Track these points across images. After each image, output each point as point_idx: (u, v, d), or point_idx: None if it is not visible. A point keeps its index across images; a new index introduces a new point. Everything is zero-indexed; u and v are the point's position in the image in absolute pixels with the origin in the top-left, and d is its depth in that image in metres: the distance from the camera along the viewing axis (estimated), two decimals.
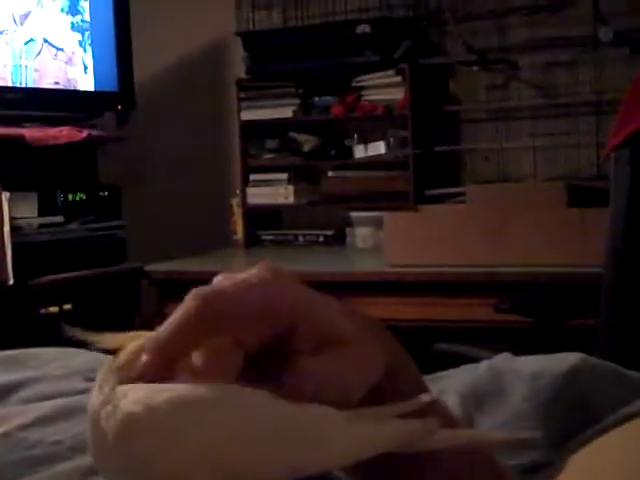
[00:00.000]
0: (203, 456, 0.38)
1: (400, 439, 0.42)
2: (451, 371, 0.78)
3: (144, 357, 0.40)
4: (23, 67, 2.79)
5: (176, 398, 0.39)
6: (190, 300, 0.40)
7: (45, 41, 2.84)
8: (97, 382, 0.41)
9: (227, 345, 0.40)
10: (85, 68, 2.95)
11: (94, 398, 0.40)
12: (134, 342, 0.42)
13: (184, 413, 0.38)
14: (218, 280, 0.43)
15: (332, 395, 0.40)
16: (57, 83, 2.88)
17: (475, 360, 0.77)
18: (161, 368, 0.40)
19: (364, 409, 0.42)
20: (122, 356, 0.41)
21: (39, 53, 2.83)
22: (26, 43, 2.80)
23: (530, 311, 1.98)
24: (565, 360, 0.67)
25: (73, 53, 2.92)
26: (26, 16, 2.79)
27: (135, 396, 0.39)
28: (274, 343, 0.42)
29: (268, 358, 0.42)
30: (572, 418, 0.61)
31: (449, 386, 0.72)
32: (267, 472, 0.39)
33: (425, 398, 0.44)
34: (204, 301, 0.40)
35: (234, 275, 0.43)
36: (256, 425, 0.39)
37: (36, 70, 2.82)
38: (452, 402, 0.67)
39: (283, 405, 0.40)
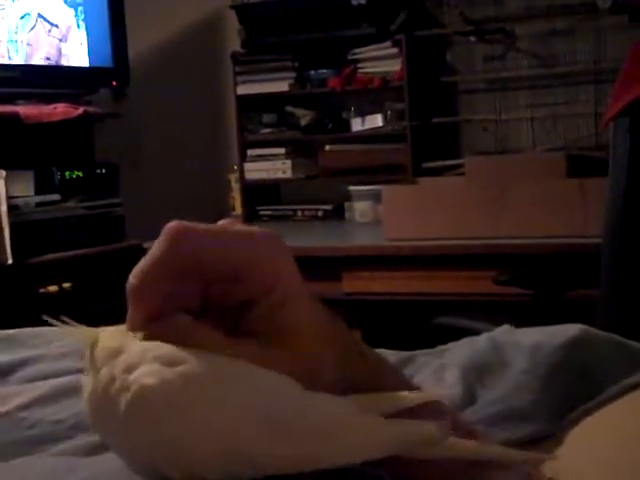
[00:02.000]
0: (213, 437, 0.38)
1: (414, 441, 0.41)
2: (451, 344, 0.78)
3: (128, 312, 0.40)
4: (19, 42, 2.76)
5: (191, 373, 0.38)
6: (170, 232, 0.40)
7: (40, 16, 2.82)
8: (90, 366, 0.41)
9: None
10: (79, 44, 2.93)
11: (94, 379, 0.40)
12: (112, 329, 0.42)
13: (199, 390, 0.38)
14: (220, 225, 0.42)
15: None
16: (48, 59, 2.86)
17: (475, 333, 0.76)
18: (143, 320, 0.40)
19: (370, 395, 0.42)
20: (106, 333, 0.41)
21: (33, 27, 2.81)
22: (21, 18, 2.77)
23: (530, 283, 1.98)
24: (565, 332, 0.67)
25: (68, 30, 2.89)
26: None
27: (148, 369, 0.38)
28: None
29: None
30: (573, 390, 0.61)
31: (450, 359, 0.72)
32: (282, 458, 0.39)
33: (429, 396, 0.43)
34: (179, 239, 0.40)
35: (234, 223, 0.42)
36: (272, 410, 0.39)
37: (28, 44, 2.80)
38: (453, 376, 0.67)
39: (300, 391, 0.40)
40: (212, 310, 0.41)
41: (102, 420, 0.40)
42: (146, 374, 0.38)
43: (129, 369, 0.39)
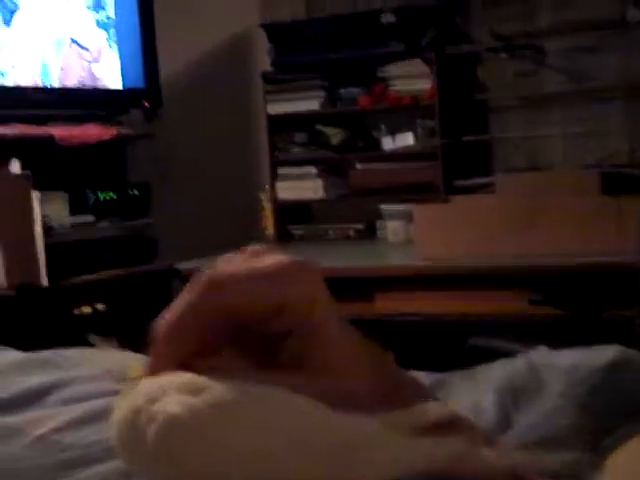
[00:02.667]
0: (244, 461, 0.38)
1: (442, 456, 0.41)
2: (487, 365, 0.77)
3: (149, 359, 0.39)
4: (50, 66, 2.80)
5: (216, 399, 0.38)
6: (198, 284, 0.39)
7: (73, 41, 2.86)
8: (123, 392, 0.41)
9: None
10: (111, 65, 2.96)
11: (119, 411, 0.40)
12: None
13: (226, 416, 0.38)
14: (235, 261, 0.41)
15: None
16: (82, 82, 2.89)
17: (510, 354, 0.75)
18: (171, 359, 0.39)
19: (397, 412, 0.41)
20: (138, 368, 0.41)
21: (65, 52, 2.85)
22: (53, 41, 2.81)
23: (565, 303, 1.96)
24: (603, 353, 0.66)
25: (99, 52, 2.93)
26: (53, 14, 2.81)
27: (172, 398, 0.38)
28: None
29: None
30: (612, 413, 0.60)
31: (484, 382, 0.71)
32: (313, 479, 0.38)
33: (455, 413, 0.43)
34: (209, 291, 0.39)
35: (255, 256, 0.41)
36: (301, 431, 0.39)
37: (62, 69, 2.84)
38: (488, 399, 0.66)
39: (328, 411, 0.39)
40: (246, 343, 0.41)
41: (130, 450, 0.40)
42: (171, 403, 0.38)
43: (153, 400, 0.39)
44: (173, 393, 0.39)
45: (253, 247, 0.42)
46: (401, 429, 0.41)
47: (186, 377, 0.39)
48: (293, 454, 0.38)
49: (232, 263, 0.40)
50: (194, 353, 0.40)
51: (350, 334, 0.42)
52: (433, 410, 0.42)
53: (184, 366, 0.40)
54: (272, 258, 0.41)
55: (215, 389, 0.38)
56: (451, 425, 0.42)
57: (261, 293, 0.39)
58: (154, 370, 0.40)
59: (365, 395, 0.41)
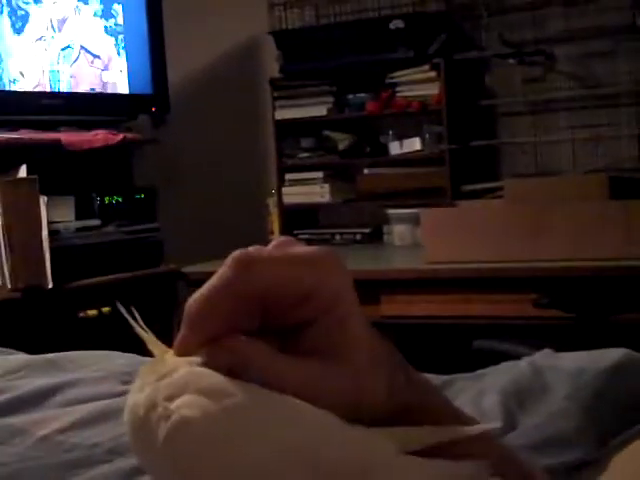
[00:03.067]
0: (251, 472, 0.37)
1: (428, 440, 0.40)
2: (492, 368, 0.77)
3: (180, 334, 0.39)
4: (60, 73, 2.81)
5: (235, 407, 0.37)
6: (234, 262, 0.39)
7: (82, 48, 2.87)
8: (138, 382, 0.40)
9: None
10: (119, 71, 2.97)
11: (137, 398, 0.39)
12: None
13: (241, 425, 0.37)
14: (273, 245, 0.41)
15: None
16: (93, 90, 2.91)
17: (515, 357, 0.75)
18: (196, 345, 0.39)
19: (412, 429, 0.41)
20: (160, 357, 0.40)
21: (76, 60, 2.86)
22: (63, 49, 2.83)
23: (571, 306, 1.95)
24: (608, 356, 0.66)
25: (109, 59, 2.94)
26: (63, 22, 2.82)
27: (190, 399, 0.38)
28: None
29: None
30: (617, 415, 0.59)
31: (490, 384, 0.71)
32: None
33: (477, 429, 0.42)
34: (245, 269, 0.38)
35: (286, 245, 0.41)
36: (316, 452, 0.37)
37: (72, 76, 2.85)
38: (493, 401, 0.66)
39: (344, 427, 0.38)
40: (269, 329, 0.41)
41: (141, 444, 0.40)
42: (188, 405, 0.37)
43: (171, 397, 0.38)
44: (194, 393, 0.38)
45: (283, 238, 0.42)
46: (414, 445, 0.40)
47: (211, 379, 0.38)
48: (306, 473, 0.37)
49: (265, 249, 0.40)
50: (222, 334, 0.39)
51: (374, 336, 0.42)
52: (450, 429, 0.41)
53: (214, 346, 0.39)
54: (306, 247, 0.41)
55: (237, 397, 0.37)
56: (471, 444, 0.41)
57: (295, 277, 0.39)
58: (183, 348, 0.40)
59: (384, 401, 0.41)
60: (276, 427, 0.37)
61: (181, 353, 0.40)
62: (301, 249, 0.40)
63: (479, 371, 0.77)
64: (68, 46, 2.84)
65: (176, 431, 0.37)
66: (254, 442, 0.37)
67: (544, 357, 0.73)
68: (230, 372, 0.38)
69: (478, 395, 0.69)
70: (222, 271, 0.39)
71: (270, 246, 0.41)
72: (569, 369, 0.67)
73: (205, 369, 0.39)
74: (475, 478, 0.40)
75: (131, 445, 0.41)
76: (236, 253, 0.39)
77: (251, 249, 0.40)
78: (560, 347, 0.76)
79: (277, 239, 0.42)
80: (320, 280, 0.40)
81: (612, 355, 0.66)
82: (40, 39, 2.76)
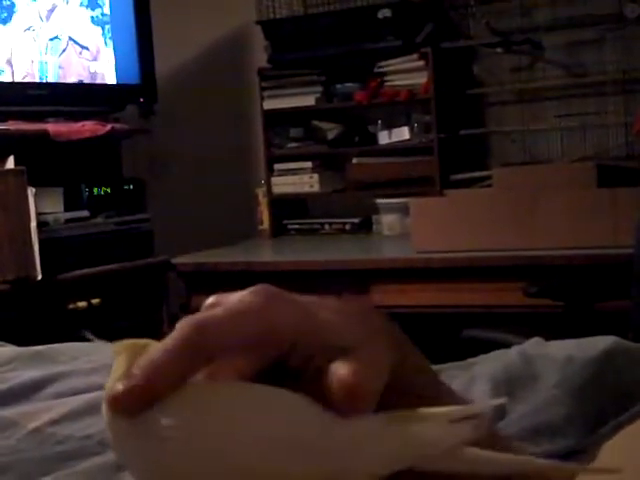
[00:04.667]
0: (216, 458, 0.37)
1: (444, 444, 0.39)
2: (481, 357, 0.77)
3: (127, 381, 0.37)
4: (48, 63, 2.80)
5: (201, 400, 0.37)
6: (181, 327, 0.38)
7: (70, 39, 2.85)
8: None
9: (224, 372, 0.39)
10: (106, 62, 2.96)
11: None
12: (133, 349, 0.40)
13: (203, 414, 0.37)
14: (210, 303, 0.41)
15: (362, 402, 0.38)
16: (81, 81, 2.89)
17: (505, 345, 0.76)
18: (145, 397, 0.37)
19: (402, 411, 0.41)
20: (108, 386, 0.39)
21: (64, 51, 2.84)
22: (51, 40, 2.81)
23: (560, 294, 1.96)
24: (597, 344, 0.66)
25: (98, 50, 2.92)
26: (51, 11, 2.80)
27: None
28: (280, 366, 0.40)
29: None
30: (606, 403, 0.60)
31: (480, 372, 0.72)
32: (304, 477, 0.37)
33: (476, 407, 0.42)
34: (196, 328, 0.38)
35: (227, 297, 0.41)
36: (282, 432, 0.37)
37: (61, 67, 2.84)
38: (483, 390, 0.66)
39: (321, 411, 0.38)
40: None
41: (115, 443, 0.40)
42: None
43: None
44: None
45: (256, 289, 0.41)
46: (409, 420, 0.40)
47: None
48: (284, 455, 0.37)
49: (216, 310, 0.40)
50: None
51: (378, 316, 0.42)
52: (440, 411, 0.40)
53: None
54: (246, 293, 0.40)
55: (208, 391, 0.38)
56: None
57: (241, 327, 0.39)
58: (162, 374, 0.38)
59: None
60: (255, 416, 0.37)
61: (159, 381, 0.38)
62: (238, 297, 0.40)
63: (469, 360, 0.78)
64: (56, 37, 2.82)
65: (111, 420, 0.38)
66: (220, 431, 0.37)
67: (534, 345, 0.74)
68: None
69: (468, 384, 0.70)
70: (242, 298, 0.39)
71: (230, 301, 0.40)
72: (558, 357, 0.68)
73: None
74: (453, 443, 0.40)
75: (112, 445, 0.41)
76: (260, 287, 0.39)
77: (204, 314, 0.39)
78: (549, 335, 0.76)
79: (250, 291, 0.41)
80: (265, 318, 0.39)
81: (601, 343, 0.67)
82: (28, 29, 2.74)
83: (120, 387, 0.36)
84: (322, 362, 0.39)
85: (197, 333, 0.38)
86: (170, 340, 0.38)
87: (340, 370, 0.38)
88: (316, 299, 0.42)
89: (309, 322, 0.40)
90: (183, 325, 0.38)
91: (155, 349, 0.38)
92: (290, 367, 0.40)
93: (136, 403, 0.36)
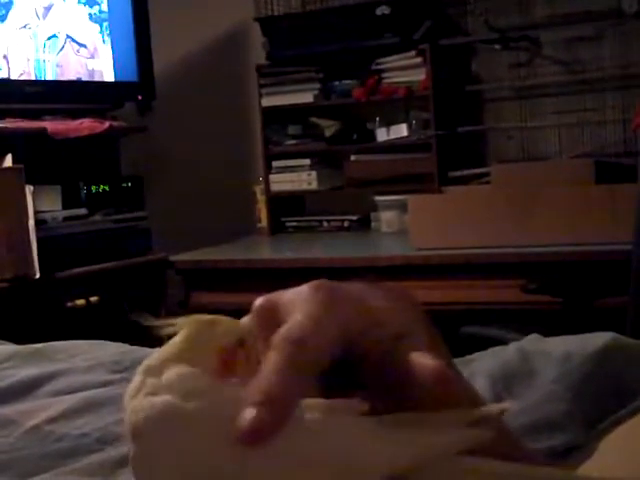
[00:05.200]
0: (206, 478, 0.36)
1: (452, 449, 0.39)
2: (480, 354, 0.77)
3: (252, 411, 0.35)
4: (45, 62, 2.79)
5: (197, 411, 0.37)
6: (281, 346, 0.37)
7: (68, 37, 2.85)
8: (136, 376, 0.40)
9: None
10: (105, 59, 2.96)
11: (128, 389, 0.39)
12: (172, 344, 0.40)
13: (199, 432, 0.36)
14: (264, 306, 0.41)
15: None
16: (79, 79, 2.89)
17: (504, 342, 0.76)
18: (277, 424, 0.36)
19: (411, 415, 0.40)
20: (155, 358, 0.39)
21: (62, 49, 2.84)
22: (49, 38, 2.81)
23: (559, 291, 1.96)
24: (596, 340, 0.66)
25: (95, 48, 2.92)
26: (48, 9, 2.80)
27: (153, 400, 0.37)
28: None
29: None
30: (604, 399, 0.60)
31: (478, 369, 0.72)
32: None
33: (491, 409, 0.42)
34: (297, 345, 0.37)
35: (283, 297, 0.41)
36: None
37: (58, 65, 2.83)
38: (482, 385, 0.66)
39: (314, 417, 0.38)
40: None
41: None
42: (141, 409, 0.37)
43: (152, 392, 0.38)
44: (168, 392, 0.37)
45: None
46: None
47: (196, 381, 0.38)
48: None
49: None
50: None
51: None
52: (453, 415, 0.40)
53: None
54: (307, 291, 0.41)
55: (205, 403, 0.37)
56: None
57: (324, 331, 0.39)
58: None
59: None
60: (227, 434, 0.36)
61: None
62: (303, 298, 0.41)
63: (467, 356, 0.78)
64: (54, 35, 2.82)
65: (135, 429, 0.37)
66: (213, 449, 0.36)
67: (532, 342, 0.74)
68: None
69: (467, 380, 0.69)
70: (311, 299, 0.40)
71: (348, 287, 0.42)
72: (556, 353, 0.68)
73: (195, 370, 0.38)
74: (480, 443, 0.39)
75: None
76: (283, 336, 0.38)
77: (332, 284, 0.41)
78: (548, 332, 0.76)
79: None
80: (339, 318, 0.40)
81: (599, 339, 0.67)
82: (25, 27, 2.74)
83: (246, 421, 0.35)
84: (384, 348, 0.40)
85: (300, 351, 0.37)
86: (275, 361, 0.37)
87: (423, 359, 0.39)
88: (362, 286, 0.43)
89: (369, 315, 0.41)
90: (280, 343, 0.37)
91: (266, 375, 0.37)
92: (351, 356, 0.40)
93: (266, 436, 0.35)
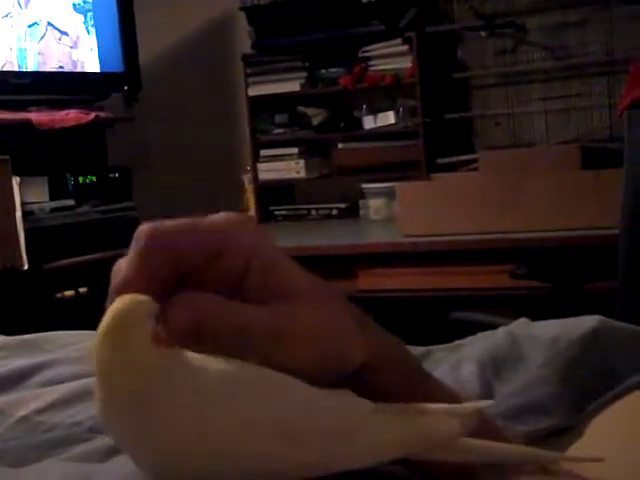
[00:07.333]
0: (202, 438, 0.36)
1: (436, 439, 0.40)
2: (468, 339, 0.78)
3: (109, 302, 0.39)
4: (27, 50, 2.77)
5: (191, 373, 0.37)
6: (139, 237, 0.41)
7: (49, 24, 2.83)
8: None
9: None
10: (89, 50, 2.94)
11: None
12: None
13: (199, 391, 0.37)
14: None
15: (234, 340, 0.38)
16: (61, 67, 2.87)
17: (492, 327, 0.76)
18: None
19: (394, 404, 0.41)
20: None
21: (43, 37, 2.82)
22: (30, 26, 2.79)
23: (547, 276, 1.97)
24: (583, 324, 0.67)
25: (78, 37, 2.90)
26: None
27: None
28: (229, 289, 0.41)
29: None
30: (592, 382, 0.60)
31: (467, 354, 0.72)
32: (299, 464, 0.37)
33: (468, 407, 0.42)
34: (152, 235, 0.41)
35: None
36: (283, 414, 0.37)
37: (40, 53, 2.81)
38: (470, 371, 0.67)
39: (312, 391, 0.38)
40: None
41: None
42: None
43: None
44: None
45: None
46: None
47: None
48: (277, 443, 0.37)
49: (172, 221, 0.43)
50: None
51: (315, 277, 0.42)
52: (433, 408, 0.41)
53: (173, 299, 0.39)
54: (217, 215, 0.43)
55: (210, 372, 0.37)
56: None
57: (200, 239, 0.41)
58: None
59: (360, 351, 0.41)
60: (242, 400, 0.37)
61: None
62: (210, 218, 0.43)
63: (456, 342, 0.78)
64: (35, 23, 2.79)
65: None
66: (219, 414, 0.36)
67: (520, 326, 0.74)
68: (191, 333, 0.38)
69: (456, 365, 0.70)
70: (133, 245, 0.41)
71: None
72: (544, 337, 0.68)
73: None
74: (452, 435, 0.40)
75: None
76: (141, 227, 0.42)
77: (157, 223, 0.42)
78: (537, 317, 0.76)
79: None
80: (227, 238, 0.41)
81: (587, 322, 0.67)
82: (6, 16, 2.72)
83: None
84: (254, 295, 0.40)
85: (154, 241, 0.41)
86: (131, 253, 0.40)
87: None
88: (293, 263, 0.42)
89: (267, 254, 0.41)
90: (139, 233, 0.41)
91: (120, 265, 0.41)
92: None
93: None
